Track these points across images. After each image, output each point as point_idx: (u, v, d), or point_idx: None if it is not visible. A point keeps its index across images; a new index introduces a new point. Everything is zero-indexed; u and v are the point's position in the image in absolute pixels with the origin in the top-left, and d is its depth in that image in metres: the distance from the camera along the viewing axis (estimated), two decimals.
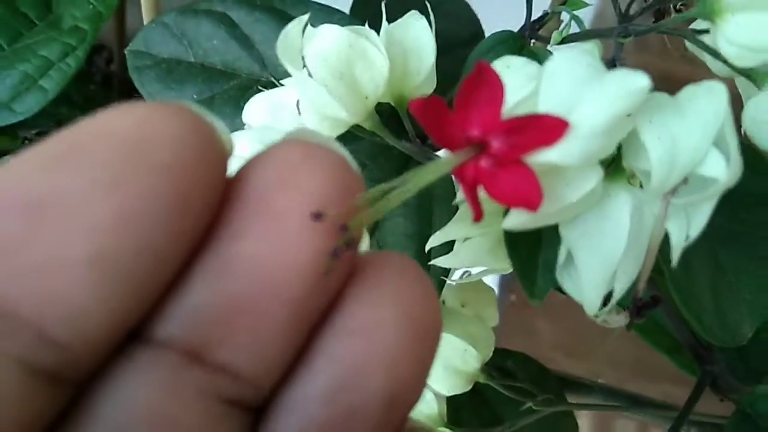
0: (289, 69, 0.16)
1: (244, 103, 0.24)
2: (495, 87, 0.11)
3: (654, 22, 0.22)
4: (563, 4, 0.21)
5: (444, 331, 0.24)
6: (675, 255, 0.12)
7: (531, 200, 0.11)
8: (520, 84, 0.12)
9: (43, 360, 0.08)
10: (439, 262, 0.22)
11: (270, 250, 0.08)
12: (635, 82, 0.11)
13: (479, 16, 0.33)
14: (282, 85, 0.19)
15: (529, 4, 0.22)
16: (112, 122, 0.08)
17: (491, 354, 0.24)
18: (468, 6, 0.34)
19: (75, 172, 0.07)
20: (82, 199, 0.07)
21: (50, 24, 0.32)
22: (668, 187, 0.12)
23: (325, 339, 0.09)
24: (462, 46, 0.33)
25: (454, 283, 0.27)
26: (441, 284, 0.23)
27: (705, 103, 0.12)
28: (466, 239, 0.21)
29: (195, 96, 0.24)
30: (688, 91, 0.12)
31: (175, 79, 0.25)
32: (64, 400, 0.08)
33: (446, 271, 0.22)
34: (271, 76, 0.24)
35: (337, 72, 0.15)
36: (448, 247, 0.22)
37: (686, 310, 0.14)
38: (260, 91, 0.22)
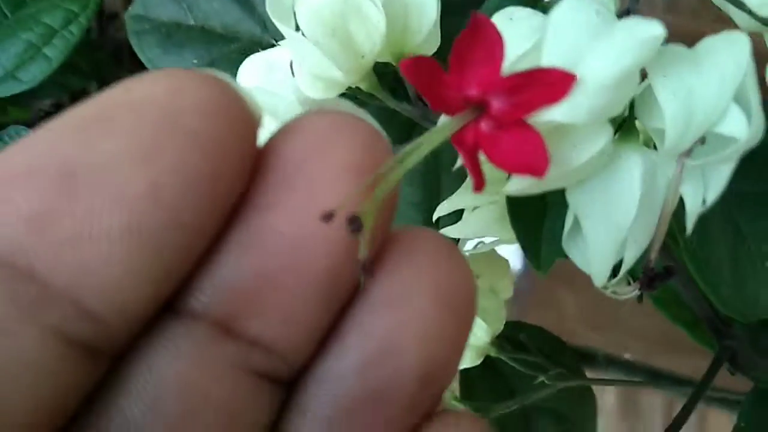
0: (280, 27, 0.15)
1: None
2: (493, 41, 0.10)
3: None
4: None
5: None
6: (690, 222, 0.12)
7: (537, 165, 0.10)
8: (523, 36, 0.11)
9: (79, 331, 0.08)
10: (448, 232, 0.21)
11: (301, 222, 0.08)
12: (648, 30, 0.10)
13: None
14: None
15: None
16: (143, 91, 0.08)
17: (502, 327, 0.23)
18: None
19: (107, 142, 0.07)
20: (114, 169, 0.07)
21: None
22: (684, 147, 0.11)
23: (357, 312, 0.09)
24: (468, 5, 0.32)
25: (466, 254, 0.26)
26: None
27: (725, 55, 0.11)
28: (474, 208, 0.20)
29: (195, 60, 0.24)
30: (708, 43, 0.11)
31: (175, 43, 0.24)
32: (100, 372, 0.08)
33: (455, 242, 0.22)
34: (272, 39, 0.23)
35: (330, 29, 0.14)
36: (456, 216, 0.21)
37: (702, 281, 0.13)
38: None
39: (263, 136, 0.09)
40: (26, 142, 0.08)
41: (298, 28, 0.15)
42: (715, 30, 0.11)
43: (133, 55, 0.45)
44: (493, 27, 0.10)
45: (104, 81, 0.50)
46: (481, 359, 0.23)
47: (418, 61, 0.10)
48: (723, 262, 0.14)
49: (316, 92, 0.15)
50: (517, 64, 0.11)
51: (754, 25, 0.15)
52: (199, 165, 0.08)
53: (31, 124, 0.45)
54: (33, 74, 0.30)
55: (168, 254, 0.08)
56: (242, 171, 0.08)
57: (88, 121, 0.08)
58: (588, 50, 0.10)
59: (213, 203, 0.08)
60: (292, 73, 0.15)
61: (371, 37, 0.15)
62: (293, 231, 0.08)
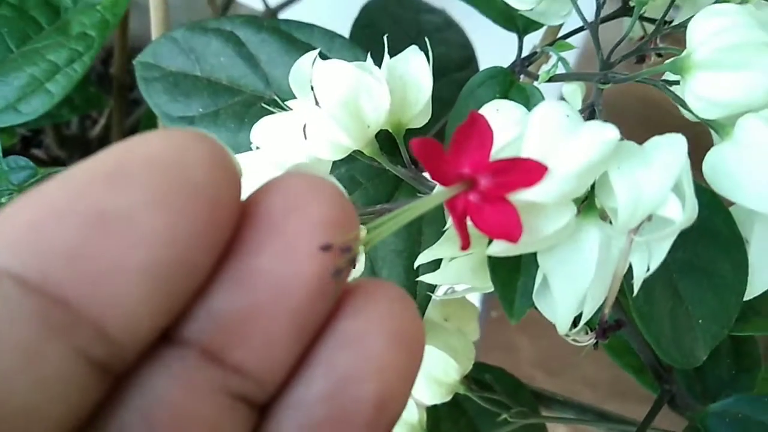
0: (299, 97, 0.18)
1: (248, 119, 0.26)
2: (485, 134, 0.13)
3: (637, 62, 0.24)
4: (551, 44, 0.23)
5: (427, 343, 0.26)
6: (636, 284, 0.14)
7: (512, 233, 0.13)
8: (506, 127, 0.14)
9: (98, 353, 0.09)
10: (427, 278, 0.23)
11: (282, 265, 0.09)
12: (606, 134, 0.13)
13: (472, 42, 0.35)
14: (284, 102, 0.21)
15: (520, 43, 0.24)
16: (156, 147, 0.09)
17: (471, 367, 0.26)
18: (462, 32, 0.36)
19: (129, 190, 0.09)
20: (136, 214, 0.09)
21: (58, 29, 0.33)
22: (632, 225, 0.14)
23: (322, 347, 0.10)
24: (456, 69, 0.35)
25: (438, 299, 0.29)
26: (427, 299, 0.24)
27: (666, 153, 0.14)
28: (452, 259, 0.23)
29: (201, 109, 0.26)
30: (653, 142, 0.14)
31: (182, 92, 0.26)
32: (106, 389, 0.09)
33: (432, 287, 0.24)
34: (274, 94, 0.26)
35: (342, 103, 0.17)
36: (435, 264, 0.24)
37: (646, 333, 0.16)
38: (264, 107, 0.24)
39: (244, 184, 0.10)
40: (59, 184, 0.09)
41: (315, 99, 0.17)
42: None
43: (120, 89, 0.47)
44: (486, 123, 0.13)
45: (89, 115, 0.52)
46: (451, 396, 0.25)
47: (425, 142, 0.13)
48: (664, 318, 0.17)
49: (325, 154, 0.18)
50: (501, 151, 0.14)
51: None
52: (203, 211, 0.09)
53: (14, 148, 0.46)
54: (34, 107, 0.32)
55: (177, 288, 0.09)
56: (233, 218, 0.09)
57: (112, 171, 0.09)
58: (559, 146, 0.13)
59: (212, 244, 0.09)
60: (305, 136, 0.18)
61: (377, 110, 0.18)
62: (275, 273, 0.09)
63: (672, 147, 0.14)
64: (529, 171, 0.13)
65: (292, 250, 0.09)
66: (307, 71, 0.18)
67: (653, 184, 0.14)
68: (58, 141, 0.49)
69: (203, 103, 0.26)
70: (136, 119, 0.50)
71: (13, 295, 0.08)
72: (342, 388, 0.10)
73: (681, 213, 0.13)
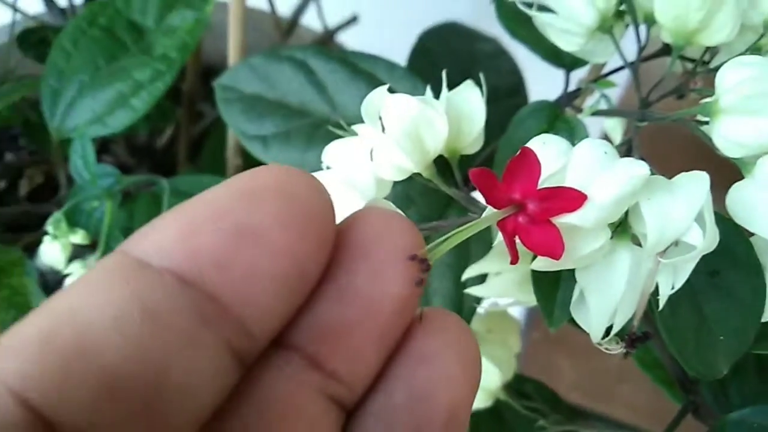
0: (368, 124, 0.21)
1: (315, 140, 0.29)
2: (534, 165, 0.16)
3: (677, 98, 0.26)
4: (595, 81, 0.25)
5: None
6: (662, 301, 0.17)
7: (555, 251, 0.15)
8: (552, 159, 0.17)
9: (240, 345, 0.10)
10: (473, 290, 0.26)
11: (373, 285, 0.11)
12: (637, 170, 0.15)
13: (527, 73, 0.38)
14: (349, 125, 0.24)
15: (567, 78, 0.26)
16: (275, 177, 0.11)
17: (512, 375, 0.28)
18: (512, 60, 0.38)
19: (260, 211, 0.10)
20: (267, 232, 0.10)
21: (143, 50, 0.37)
22: (660, 249, 0.16)
23: (401, 362, 0.12)
24: (506, 96, 0.37)
25: (483, 312, 0.31)
26: (473, 311, 0.27)
27: (691, 188, 0.16)
28: (497, 273, 0.25)
29: (273, 129, 0.29)
30: (680, 178, 0.17)
31: (257, 113, 0.30)
32: (239, 379, 0.11)
33: (478, 299, 0.27)
34: (339, 118, 0.29)
35: (407, 132, 0.20)
36: (481, 279, 0.26)
37: (671, 345, 0.18)
38: (330, 130, 0.27)
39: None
40: (203, 202, 0.11)
41: (382, 127, 0.20)
42: None
43: (190, 104, 0.50)
44: (535, 156, 0.16)
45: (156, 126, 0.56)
46: (492, 401, 0.28)
47: (482, 171, 0.16)
48: (688, 333, 0.19)
49: (389, 175, 0.21)
50: (547, 180, 0.16)
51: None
52: (316, 232, 0.11)
53: None
54: (119, 120, 0.36)
55: (295, 296, 0.11)
56: (333, 240, 0.11)
57: (245, 194, 0.11)
58: (597, 178, 0.16)
59: (321, 260, 0.11)
60: (371, 158, 0.21)
61: (436, 139, 0.20)
62: (367, 291, 0.11)
63: (696, 182, 0.16)
64: (571, 198, 0.15)
65: (381, 273, 0.11)
66: (377, 103, 0.21)
67: (679, 214, 0.16)
68: (128, 149, 0.53)
69: (275, 124, 0.29)
70: (200, 131, 0.53)
71: (175, 288, 0.10)
72: (419, 399, 0.12)
73: (702, 240, 0.16)
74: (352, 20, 0.56)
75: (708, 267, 0.18)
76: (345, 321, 0.11)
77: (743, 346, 0.19)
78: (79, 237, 0.30)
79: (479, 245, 0.26)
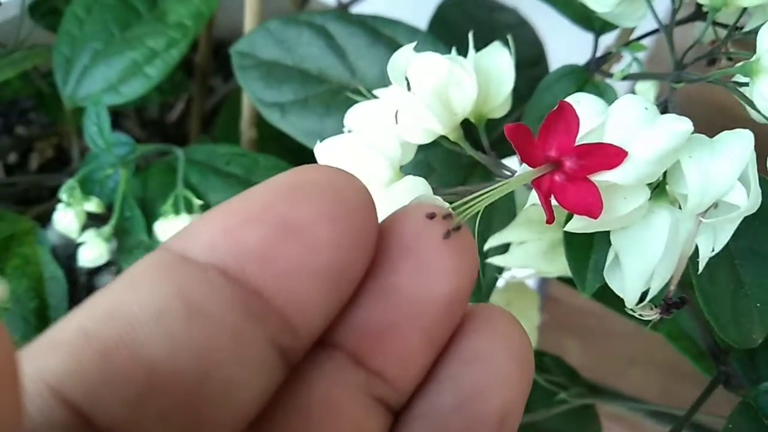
0: (394, 86, 0.20)
1: (334, 106, 0.28)
2: (571, 120, 0.15)
3: (707, 65, 0.25)
4: (626, 45, 0.24)
5: None
6: (702, 264, 0.16)
7: (593, 210, 0.15)
8: (589, 117, 0.16)
9: (284, 341, 0.10)
10: (495, 260, 0.26)
11: (418, 284, 0.11)
12: (680, 126, 0.15)
13: (547, 44, 0.37)
14: (370, 92, 0.23)
15: (596, 42, 0.25)
16: (324, 175, 0.11)
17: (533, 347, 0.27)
18: (533, 30, 0.37)
19: (305, 207, 0.10)
20: (312, 227, 0.10)
21: (157, 18, 0.36)
22: (701, 209, 0.16)
23: (450, 362, 0.11)
24: (527, 66, 0.37)
25: (502, 285, 0.31)
26: (494, 281, 0.26)
27: (734, 146, 0.16)
28: (521, 243, 0.25)
29: (291, 96, 0.29)
30: (723, 135, 0.16)
31: (275, 80, 0.29)
32: (284, 377, 0.11)
33: (500, 270, 0.26)
34: (359, 84, 0.28)
35: (435, 92, 0.19)
36: (503, 248, 0.26)
37: (707, 311, 0.18)
38: (349, 96, 0.26)
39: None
40: (246, 198, 0.10)
41: (408, 87, 0.20)
42: None
43: (203, 76, 0.50)
44: (573, 110, 0.15)
45: (167, 101, 0.55)
46: None
47: (518, 127, 0.15)
48: (725, 300, 0.18)
49: (416, 138, 0.20)
50: (584, 138, 0.16)
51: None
52: (361, 228, 0.10)
53: None
54: (133, 89, 0.35)
55: (340, 292, 0.10)
56: (376, 237, 0.11)
57: (291, 189, 0.10)
58: (637, 135, 0.15)
59: (366, 257, 0.11)
60: (396, 121, 0.20)
61: (464, 100, 0.20)
62: (412, 290, 0.11)
63: (740, 140, 0.16)
64: (611, 155, 0.15)
65: (426, 271, 0.11)
66: (403, 63, 0.20)
67: (721, 172, 0.15)
68: (139, 123, 0.53)
69: (294, 91, 0.29)
70: (212, 106, 0.53)
71: (220, 283, 0.10)
72: (470, 400, 0.11)
73: (746, 200, 0.15)
74: None
75: (747, 232, 0.17)
76: (390, 320, 0.11)
77: None
78: (93, 205, 0.29)
79: (501, 215, 0.26)
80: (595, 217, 0.15)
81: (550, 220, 0.15)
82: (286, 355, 0.10)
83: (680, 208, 0.17)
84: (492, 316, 0.12)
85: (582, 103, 0.17)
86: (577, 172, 0.15)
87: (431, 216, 0.11)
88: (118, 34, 0.36)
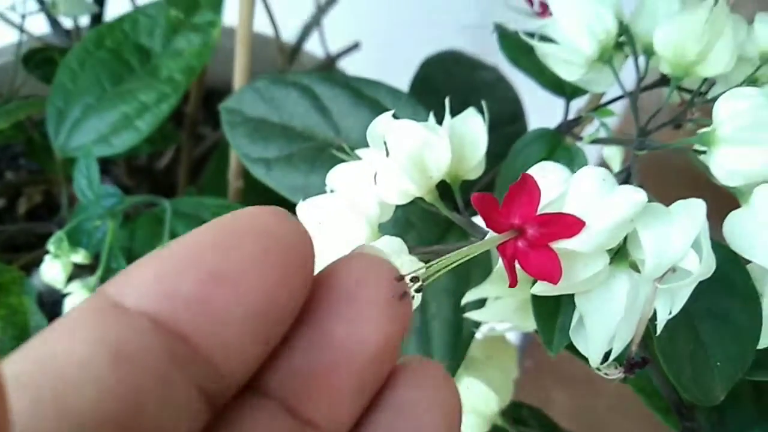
0: (372, 149, 0.21)
1: (318, 163, 0.30)
2: (533, 191, 0.16)
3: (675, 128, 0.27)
4: (595, 110, 0.26)
5: (471, 376, 0.28)
6: (660, 326, 0.17)
7: (553, 276, 0.16)
8: (552, 186, 0.17)
9: (210, 386, 0.11)
10: (473, 315, 0.26)
11: (351, 332, 0.11)
12: (635, 197, 0.16)
13: (526, 101, 0.38)
14: (352, 149, 0.24)
15: (567, 107, 0.27)
16: (255, 219, 0.11)
17: (509, 401, 0.28)
18: (512, 89, 0.39)
19: (237, 256, 0.11)
20: (242, 274, 0.11)
21: (149, 72, 0.38)
22: (657, 274, 0.17)
23: (380, 412, 0.12)
24: (505, 124, 0.38)
25: (482, 338, 0.31)
26: (472, 335, 0.27)
27: (688, 214, 0.17)
28: (497, 298, 0.26)
29: (277, 152, 0.30)
30: (677, 204, 0.17)
31: (261, 136, 0.30)
32: (208, 422, 0.11)
33: (477, 324, 0.27)
34: (343, 142, 0.29)
35: (411, 157, 0.20)
36: (480, 303, 0.27)
37: (668, 370, 0.19)
38: (333, 154, 0.28)
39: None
40: (180, 245, 0.11)
41: (386, 151, 0.21)
42: None
43: (192, 126, 0.51)
44: (535, 182, 0.16)
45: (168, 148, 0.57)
46: (489, 427, 0.28)
47: (483, 196, 0.16)
48: (685, 359, 0.19)
49: (392, 199, 0.21)
50: (546, 206, 0.17)
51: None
52: (293, 274, 0.11)
53: None
54: (124, 141, 0.36)
55: (269, 339, 0.11)
56: (310, 283, 0.11)
57: (223, 236, 0.11)
58: (595, 204, 0.16)
59: (295, 304, 0.11)
60: (375, 182, 0.21)
61: (439, 164, 0.21)
62: (345, 337, 0.11)
63: (693, 209, 0.17)
64: (569, 225, 0.16)
65: (361, 319, 0.11)
66: (382, 128, 0.21)
67: (676, 240, 0.16)
68: (128, 171, 0.54)
69: (279, 147, 0.30)
70: (201, 154, 0.54)
71: (147, 330, 0.10)
72: None
73: (698, 266, 0.16)
74: (354, 46, 0.57)
75: (705, 294, 0.18)
76: (321, 367, 0.11)
77: (739, 373, 0.19)
78: (80, 256, 0.30)
79: (479, 270, 0.27)
80: (555, 283, 0.16)
81: (513, 283, 0.16)
82: (212, 400, 0.11)
83: (640, 272, 0.18)
84: (423, 368, 0.12)
85: (547, 171, 0.18)
86: (538, 240, 0.16)
87: (372, 266, 0.12)
88: (110, 88, 0.38)
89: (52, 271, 0.29)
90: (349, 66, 0.58)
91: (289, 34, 0.55)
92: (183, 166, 0.51)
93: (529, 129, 0.34)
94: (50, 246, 0.29)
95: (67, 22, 0.47)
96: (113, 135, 0.36)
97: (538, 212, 0.16)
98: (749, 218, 0.18)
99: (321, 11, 0.50)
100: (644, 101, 0.25)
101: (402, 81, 0.39)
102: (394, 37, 0.70)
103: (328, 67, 0.57)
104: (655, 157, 0.27)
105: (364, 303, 0.11)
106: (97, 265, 0.31)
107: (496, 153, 0.28)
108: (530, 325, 0.26)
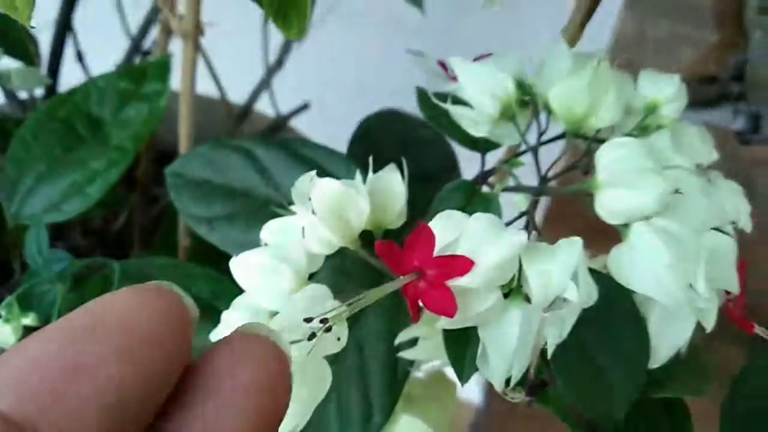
0: (299, 206, 0.24)
1: (259, 220, 0.32)
2: (429, 237, 0.19)
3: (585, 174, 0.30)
4: (506, 162, 0.29)
5: (409, 413, 0.30)
6: (550, 350, 0.20)
7: (449, 311, 0.18)
8: (450, 231, 0.20)
9: None
10: (405, 354, 0.29)
11: (220, 420, 0.12)
12: (517, 239, 0.19)
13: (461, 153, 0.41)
14: (291, 205, 0.27)
15: (483, 159, 0.30)
16: (121, 305, 0.12)
17: None
18: (448, 145, 0.42)
19: (93, 346, 0.11)
20: (101, 366, 0.11)
21: (99, 140, 0.40)
22: (544, 305, 0.19)
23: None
24: (441, 177, 0.41)
25: (421, 376, 0.33)
26: (407, 373, 0.29)
27: (566, 252, 0.19)
28: (425, 337, 0.28)
29: (219, 211, 0.32)
30: (559, 243, 0.20)
31: (205, 197, 0.33)
32: None
33: (411, 363, 0.29)
34: (282, 199, 0.32)
35: (333, 211, 0.23)
36: (413, 343, 0.29)
37: (570, 393, 0.21)
38: (273, 210, 0.30)
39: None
40: (40, 339, 0.11)
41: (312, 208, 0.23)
42: None
43: (144, 189, 0.53)
44: (430, 230, 0.19)
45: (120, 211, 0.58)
46: None
47: (386, 244, 0.19)
48: (584, 381, 0.21)
49: (319, 250, 0.24)
50: (444, 249, 0.19)
51: None
52: (158, 362, 0.11)
53: None
54: (74, 207, 0.38)
55: (129, 428, 0.11)
56: (181, 368, 0.12)
57: (85, 328, 0.11)
58: (483, 246, 0.19)
59: (160, 393, 0.11)
60: (303, 235, 0.24)
61: (359, 217, 0.23)
62: (213, 427, 0.12)
63: (570, 247, 0.19)
64: (461, 264, 0.18)
65: (227, 408, 0.12)
66: (306, 187, 0.24)
67: (557, 274, 0.19)
68: (83, 233, 0.56)
69: (221, 206, 0.32)
70: (155, 214, 0.56)
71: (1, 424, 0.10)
72: None
73: (577, 296, 0.19)
74: (304, 107, 0.60)
75: (598, 322, 0.21)
76: None
77: (635, 392, 0.22)
78: (30, 319, 0.32)
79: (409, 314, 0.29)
80: (451, 317, 0.18)
81: (415, 319, 0.18)
82: None
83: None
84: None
85: (447, 219, 0.21)
86: (435, 279, 0.19)
87: (248, 347, 0.13)
88: (62, 156, 0.40)
89: (2, 334, 0.31)
90: (300, 126, 0.61)
91: (241, 95, 0.58)
92: (136, 228, 0.53)
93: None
94: (1, 310, 0.31)
95: (22, 93, 0.49)
96: (64, 202, 0.38)
97: (435, 255, 0.19)
98: (627, 252, 0.21)
99: (269, 74, 0.53)
100: (553, 150, 0.28)
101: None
102: (343, 97, 0.73)
103: (279, 127, 0.60)
104: (567, 201, 0.30)
105: (232, 391, 0.12)
106: None
107: (430, 203, 0.30)
108: None
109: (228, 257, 0.33)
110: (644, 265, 0.21)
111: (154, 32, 0.50)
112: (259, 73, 0.58)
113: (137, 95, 0.41)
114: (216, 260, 0.36)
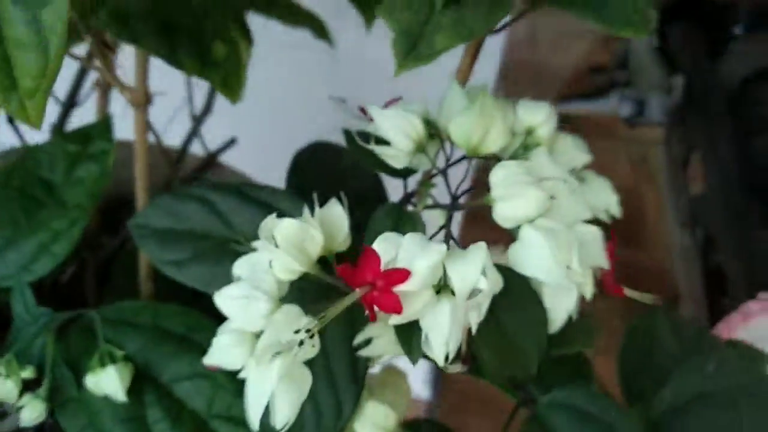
0: (263, 242, 0.30)
1: (221, 257, 0.38)
2: (375, 256, 0.26)
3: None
4: (423, 183, 0.36)
5: (372, 399, 0.37)
6: (474, 329, 0.27)
7: (397, 309, 0.25)
8: (390, 250, 0.27)
9: None
10: (363, 352, 0.35)
11: None
12: (437, 249, 0.26)
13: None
14: (247, 242, 0.33)
15: (405, 184, 0.37)
16: None
17: (404, 414, 0.37)
18: (376, 176, 0.49)
19: None
20: None
21: (57, 202, 0.45)
22: (465, 296, 0.27)
23: None
24: (371, 199, 0.48)
25: (377, 369, 0.41)
26: (366, 368, 0.36)
27: (475, 254, 0.27)
28: (378, 336, 0.35)
29: (185, 253, 0.38)
30: (470, 248, 0.27)
31: (169, 243, 0.38)
32: None
33: (368, 359, 0.36)
34: (238, 236, 0.38)
35: (294, 244, 0.30)
36: (368, 343, 0.36)
37: (493, 359, 0.29)
38: (232, 248, 0.36)
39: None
40: None
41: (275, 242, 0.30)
42: None
43: (94, 243, 0.57)
44: (374, 251, 0.26)
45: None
46: None
47: (344, 267, 0.26)
48: (503, 348, 0.29)
49: (285, 276, 0.30)
50: (386, 265, 0.26)
51: None
52: None
53: None
54: (43, 266, 0.43)
55: None
56: None
57: None
58: (415, 258, 0.26)
59: None
60: (271, 266, 0.30)
61: (315, 246, 0.30)
62: None
63: (479, 250, 0.27)
64: (401, 274, 0.26)
65: None
66: (270, 226, 0.30)
67: (470, 271, 0.26)
68: (36, 291, 0.59)
69: (186, 249, 0.38)
70: (102, 261, 0.60)
71: None
72: None
73: (487, 285, 0.26)
74: (231, 142, 0.66)
75: (507, 301, 0.29)
76: None
77: (542, 351, 0.30)
78: (28, 372, 0.37)
79: (363, 319, 0.36)
80: (399, 314, 0.25)
81: (372, 319, 0.25)
82: None
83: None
84: None
85: (386, 240, 0.28)
86: (384, 288, 0.26)
87: None
88: (24, 221, 0.44)
89: (5, 389, 0.36)
90: (230, 160, 0.67)
91: (171, 137, 0.63)
92: (89, 278, 0.57)
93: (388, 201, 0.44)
94: (1, 367, 0.36)
95: None
96: (33, 263, 0.43)
97: (382, 269, 0.26)
98: (520, 248, 0.29)
99: (198, 122, 0.59)
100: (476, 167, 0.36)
101: (279, 167, 0.48)
102: (268, 131, 0.80)
103: (210, 164, 0.66)
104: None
105: None
106: (42, 377, 0.38)
107: (364, 224, 0.37)
108: (401, 351, 0.36)
109: (189, 296, 0.39)
110: (533, 256, 0.29)
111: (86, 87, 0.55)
112: (185, 117, 0.63)
113: (85, 156, 0.46)
114: (179, 299, 0.42)
